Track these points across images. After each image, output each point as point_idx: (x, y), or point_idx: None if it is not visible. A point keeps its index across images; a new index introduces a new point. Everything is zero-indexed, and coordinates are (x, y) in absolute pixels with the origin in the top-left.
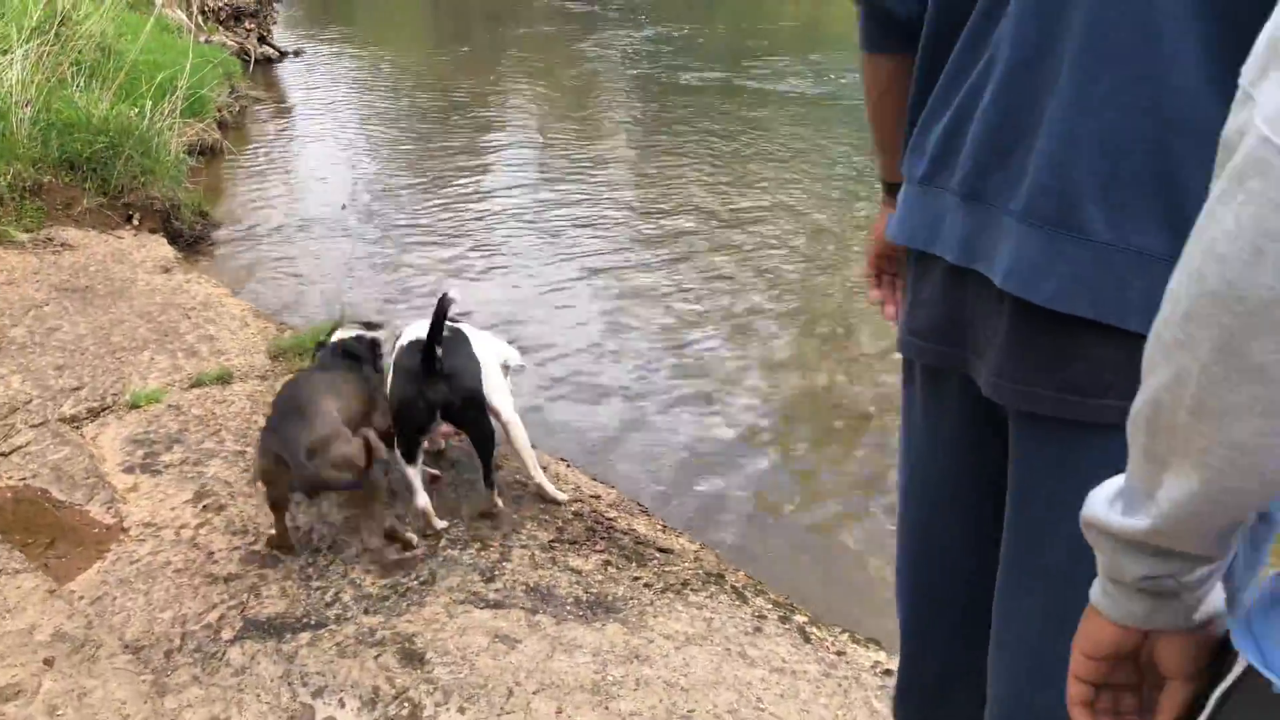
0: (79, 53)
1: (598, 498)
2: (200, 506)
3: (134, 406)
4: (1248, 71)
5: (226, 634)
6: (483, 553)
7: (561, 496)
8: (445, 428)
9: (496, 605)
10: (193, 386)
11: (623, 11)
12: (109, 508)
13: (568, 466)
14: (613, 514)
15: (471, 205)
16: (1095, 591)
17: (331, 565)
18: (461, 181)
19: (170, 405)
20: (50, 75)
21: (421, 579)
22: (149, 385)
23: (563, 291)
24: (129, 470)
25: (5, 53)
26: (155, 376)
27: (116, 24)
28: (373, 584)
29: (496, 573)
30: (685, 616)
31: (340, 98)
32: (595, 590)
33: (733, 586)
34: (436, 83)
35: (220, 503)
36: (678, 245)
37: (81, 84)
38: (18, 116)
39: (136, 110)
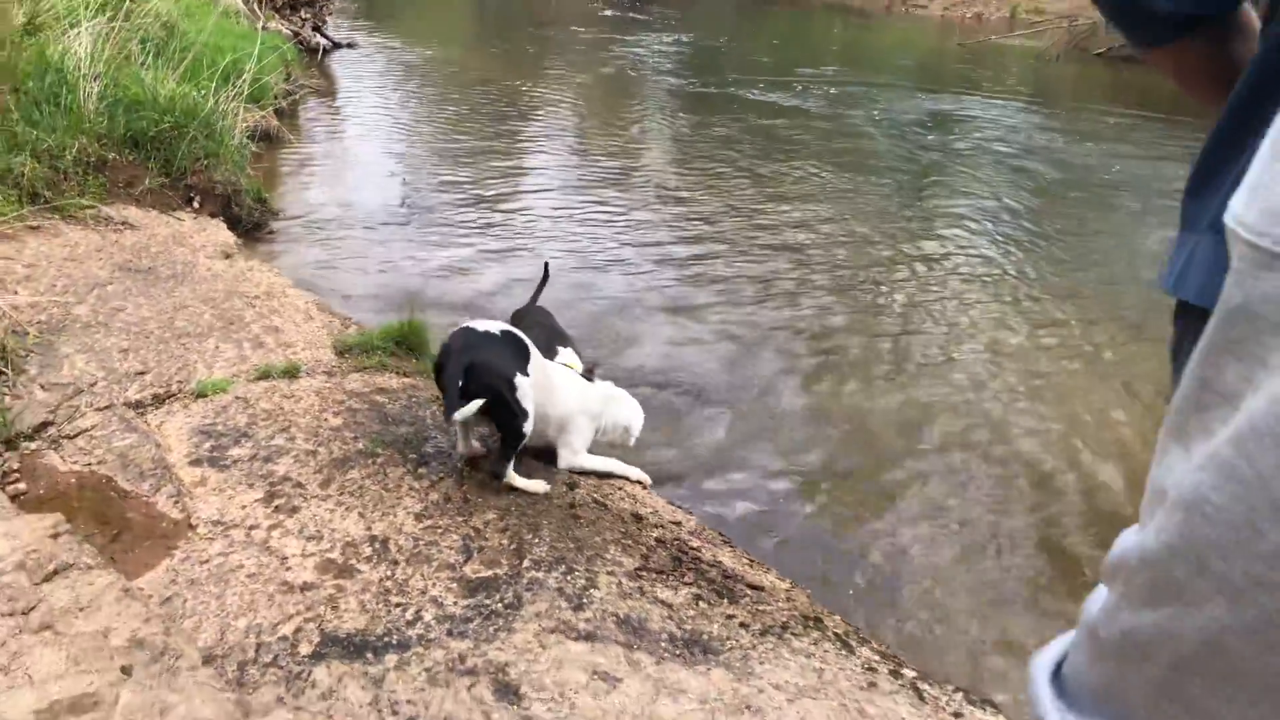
0: (144, 30)
1: (678, 524)
2: (272, 507)
3: (200, 395)
4: None
5: (304, 648)
6: (568, 577)
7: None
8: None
9: (590, 637)
10: (259, 379)
11: (661, 20)
12: (176, 501)
13: (644, 489)
14: (696, 543)
15: (512, 204)
16: None
17: (410, 580)
18: (502, 180)
19: (237, 397)
20: (118, 51)
21: (506, 601)
22: (215, 374)
23: (618, 298)
24: (196, 463)
25: (74, 26)
26: (221, 366)
27: (179, 5)
28: (455, 603)
29: (585, 600)
30: (794, 665)
31: (390, 90)
32: (689, 627)
33: (835, 633)
34: (479, 80)
35: (292, 504)
36: (713, 255)
37: (148, 62)
38: (85, 90)
39: (202, 92)
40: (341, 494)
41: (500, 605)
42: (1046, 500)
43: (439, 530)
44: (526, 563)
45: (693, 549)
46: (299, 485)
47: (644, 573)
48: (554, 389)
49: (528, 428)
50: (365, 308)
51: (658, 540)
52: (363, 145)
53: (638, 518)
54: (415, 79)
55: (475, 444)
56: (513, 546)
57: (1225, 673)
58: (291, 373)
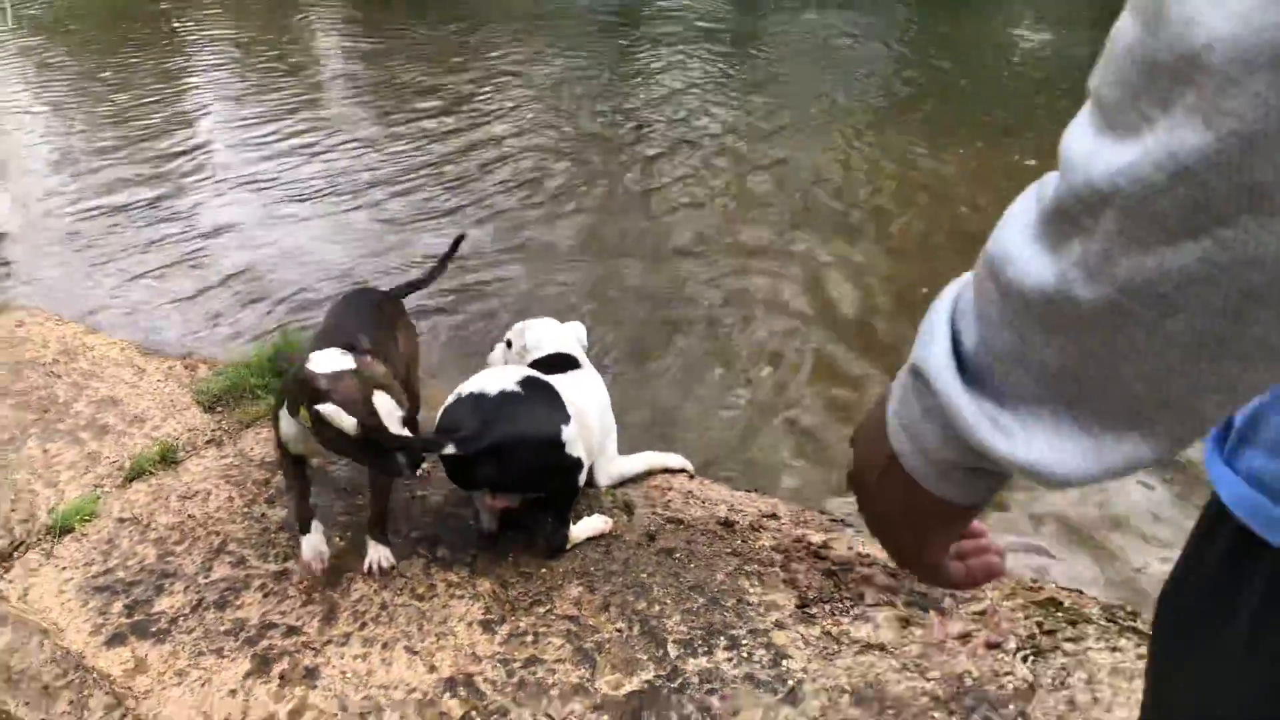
0: None
1: (775, 517)
2: (275, 678)
3: (64, 531)
4: None
5: None
6: (740, 653)
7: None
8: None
9: None
10: (132, 480)
11: None
12: (119, 714)
13: (690, 478)
14: (817, 538)
15: (198, 161)
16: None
17: None
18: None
19: (119, 519)
20: None
21: (712, 709)
22: (66, 494)
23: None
24: (116, 641)
25: None
26: (68, 478)
27: None
28: None
29: (789, 683)
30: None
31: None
32: (937, 675)
33: (1102, 620)
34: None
35: (303, 665)
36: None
37: None
38: None
39: None
40: (361, 625)
41: None
42: None
43: (527, 638)
44: (673, 650)
45: (823, 548)
46: (294, 631)
47: (812, 609)
48: (583, 409)
49: (583, 476)
50: (188, 329)
51: (778, 550)
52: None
53: (728, 525)
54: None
55: (500, 503)
56: (637, 630)
57: None
58: (169, 458)
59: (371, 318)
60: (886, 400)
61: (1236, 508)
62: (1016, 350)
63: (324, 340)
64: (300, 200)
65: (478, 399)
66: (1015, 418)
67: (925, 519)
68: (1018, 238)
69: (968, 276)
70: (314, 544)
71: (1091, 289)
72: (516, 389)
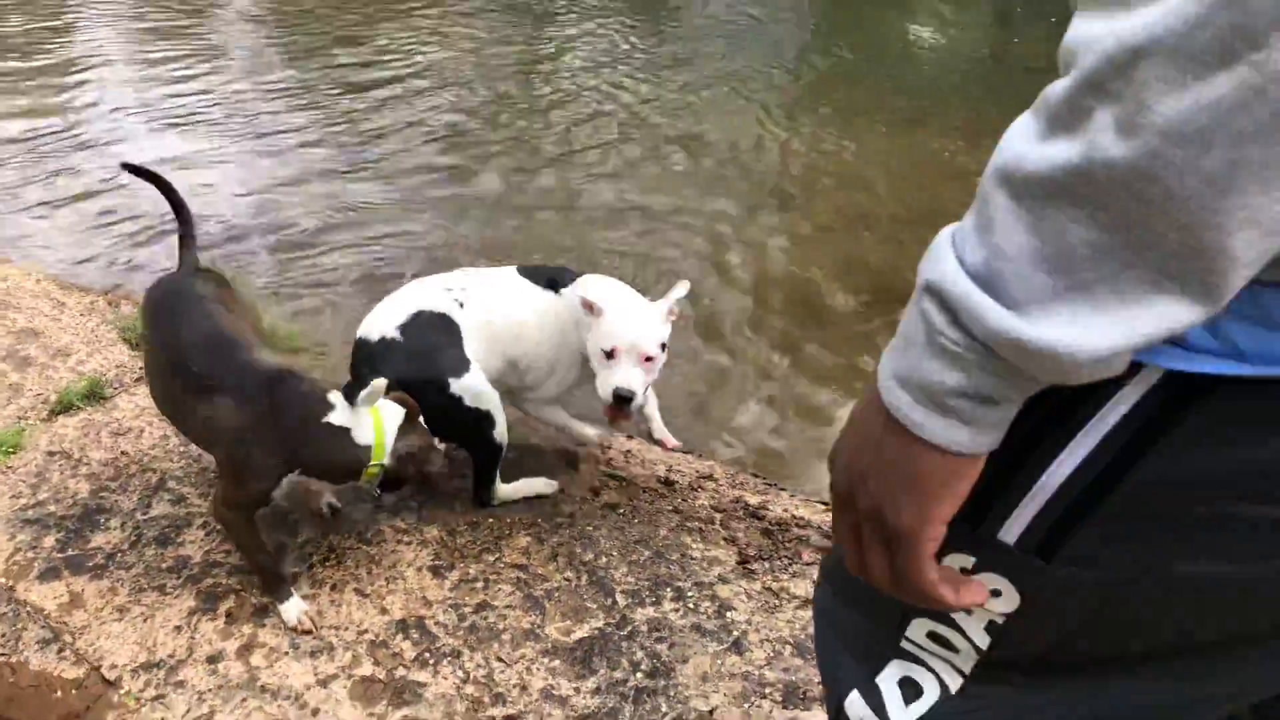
0: None
1: (711, 478)
2: (221, 616)
3: None
4: None
5: None
6: (686, 604)
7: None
8: None
9: (799, 695)
10: (59, 413)
11: None
12: (55, 648)
13: (629, 437)
14: (753, 499)
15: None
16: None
17: (497, 675)
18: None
19: (48, 452)
20: None
21: (645, 668)
22: None
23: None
24: (49, 574)
25: None
26: None
27: None
28: (578, 691)
29: (733, 631)
30: None
31: None
32: None
33: None
34: None
35: (250, 603)
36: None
37: None
38: None
39: None
40: (309, 567)
41: (642, 676)
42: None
43: (477, 584)
44: (621, 599)
45: (760, 509)
46: (239, 570)
47: (753, 565)
48: (523, 326)
49: (499, 432)
50: (78, 258)
51: (717, 509)
52: None
53: (668, 483)
54: None
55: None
56: (585, 580)
57: None
58: (98, 394)
59: (226, 310)
60: (870, 396)
61: None
62: (1032, 247)
63: (215, 359)
64: (209, 139)
65: (361, 346)
66: (1028, 315)
67: (928, 482)
68: (1025, 143)
69: (956, 224)
70: (297, 606)
71: (1127, 145)
72: (398, 337)
